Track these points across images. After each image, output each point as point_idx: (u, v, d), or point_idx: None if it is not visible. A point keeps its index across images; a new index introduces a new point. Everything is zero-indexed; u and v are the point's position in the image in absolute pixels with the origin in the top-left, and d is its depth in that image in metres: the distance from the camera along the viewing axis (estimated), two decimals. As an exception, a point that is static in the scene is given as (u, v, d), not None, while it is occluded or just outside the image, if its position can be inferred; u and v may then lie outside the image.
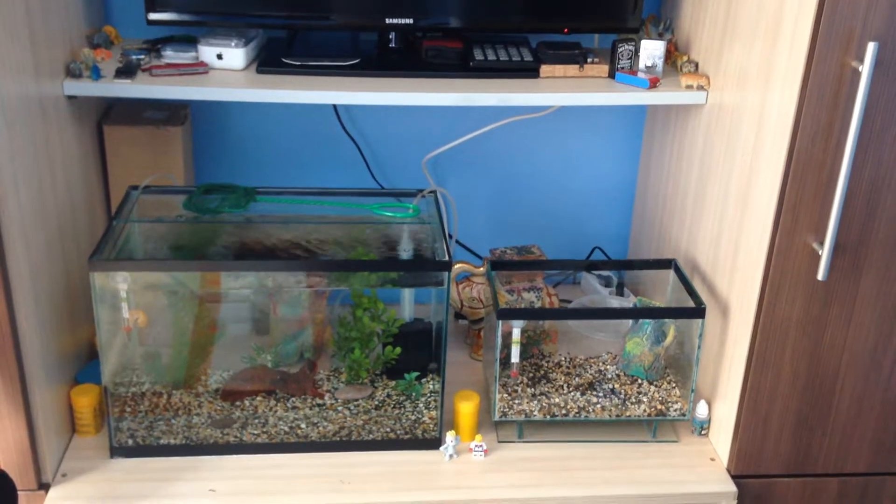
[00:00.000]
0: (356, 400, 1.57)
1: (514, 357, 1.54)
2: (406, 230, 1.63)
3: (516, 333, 1.51)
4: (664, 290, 1.69)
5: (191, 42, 1.63)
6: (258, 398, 1.56)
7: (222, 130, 1.87)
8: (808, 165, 1.30)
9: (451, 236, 1.84)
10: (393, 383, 1.59)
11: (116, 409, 1.50)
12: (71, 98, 1.53)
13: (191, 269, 1.49)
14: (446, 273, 1.47)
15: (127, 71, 1.55)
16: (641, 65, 1.63)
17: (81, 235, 1.59)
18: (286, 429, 1.54)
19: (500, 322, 1.50)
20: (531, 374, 1.64)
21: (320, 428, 1.54)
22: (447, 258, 1.47)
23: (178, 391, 1.54)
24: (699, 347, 1.52)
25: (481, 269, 1.76)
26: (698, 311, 1.51)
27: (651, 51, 1.63)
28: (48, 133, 1.44)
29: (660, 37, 1.72)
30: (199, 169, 1.88)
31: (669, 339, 1.59)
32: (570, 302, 1.90)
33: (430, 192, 1.68)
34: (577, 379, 1.63)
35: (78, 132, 1.59)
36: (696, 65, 1.64)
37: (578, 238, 2.03)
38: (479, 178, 1.97)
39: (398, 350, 1.56)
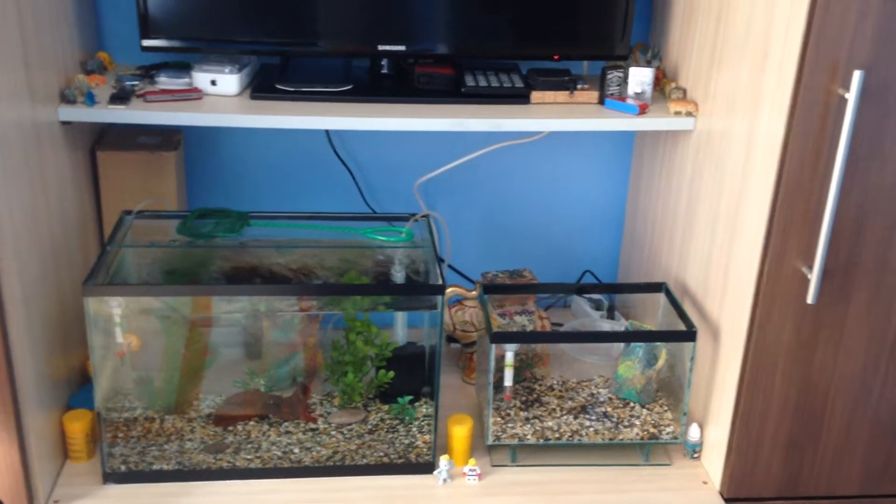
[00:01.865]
0: (349, 424, 1.57)
1: (508, 381, 1.54)
2: (399, 254, 1.64)
3: (509, 357, 1.52)
4: (655, 313, 1.70)
5: (184, 68, 1.64)
6: (251, 423, 1.56)
7: (215, 156, 1.88)
8: (797, 190, 1.32)
9: (442, 260, 1.85)
10: (386, 407, 1.59)
11: (109, 435, 1.49)
12: (65, 123, 1.54)
13: (184, 293, 1.50)
14: (440, 297, 1.47)
15: (121, 97, 1.56)
16: (630, 91, 1.65)
17: (74, 260, 1.59)
18: (279, 454, 1.53)
19: (494, 346, 1.50)
20: (524, 398, 1.64)
21: (314, 453, 1.54)
22: (440, 282, 1.48)
23: (171, 416, 1.54)
24: (691, 371, 1.53)
25: (473, 292, 1.76)
26: (689, 335, 1.53)
27: (640, 77, 1.65)
28: (42, 158, 1.44)
29: (648, 64, 1.74)
30: (192, 194, 1.88)
31: (661, 362, 1.60)
32: (561, 325, 1.90)
33: (423, 216, 1.69)
34: (569, 402, 1.64)
35: (72, 157, 1.59)
36: (685, 91, 1.67)
37: (569, 262, 2.04)
38: (470, 203, 1.98)
39: (391, 374, 1.57)
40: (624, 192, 2.01)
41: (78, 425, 1.51)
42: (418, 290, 1.55)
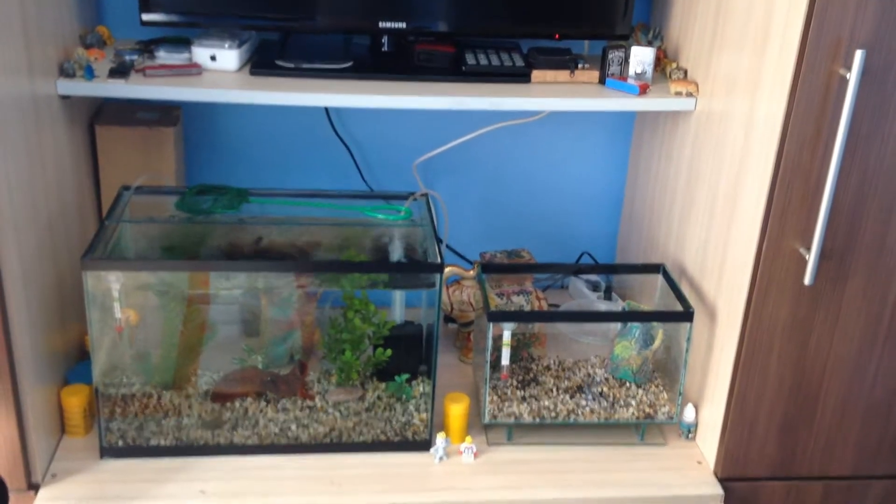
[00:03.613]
0: (346, 402, 1.58)
1: (505, 360, 1.55)
2: (397, 232, 1.64)
3: (507, 336, 1.52)
4: (652, 294, 1.71)
5: (184, 43, 1.63)
6: (248, 400, 1.56)
7: (214, 132, 1.87)
8: (796, 172, 1.32)
9: (441, 239, 1.85)
10: (383, 385, 1.60)
11: (106, 410, 1.50)
12: (64, 98, 1.53)
13: (182, 268, 1.50)
14: (438, 275, 1.47)
15: (120, 71, 1.55)
16: (631, 71, 1.64)
17: (72, 235, 1.59)
18: (276, 430, 1.54)
19: (491, 324, 1.51)
20: (521, 378, 1.65)
21: (311, 430, 1.55)
22: (439, 260, 1.48)
23: (169, 392, 1.54)
24: (687, 351, 1.54)
25: (471, 272, 1.76)
26: (686, 316, 1.53)
27: (641, 57, 1.64)
28: (40, 132, 1.44)
29: (649, 44, 1.73)
30: (191, 170, 1.88)
31: (657, 342, 1.61)
32: (558, 306, 1.91)
33: (422, 194, 1.69)
34: (566, 382, 1.64)
35: (70, 132, 1.59)
36: (685, 72, 1.66)
37: (567, 242, 2.04)
38: (468, 182, 1.98)
39: (389, 352, 1.57)
40: (623, 174, 2.01)
41: (75, 400, 1.51)
42: (417, 269, 1.55)
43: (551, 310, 1.82)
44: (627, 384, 1.64)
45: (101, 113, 1.74)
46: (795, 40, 1.26)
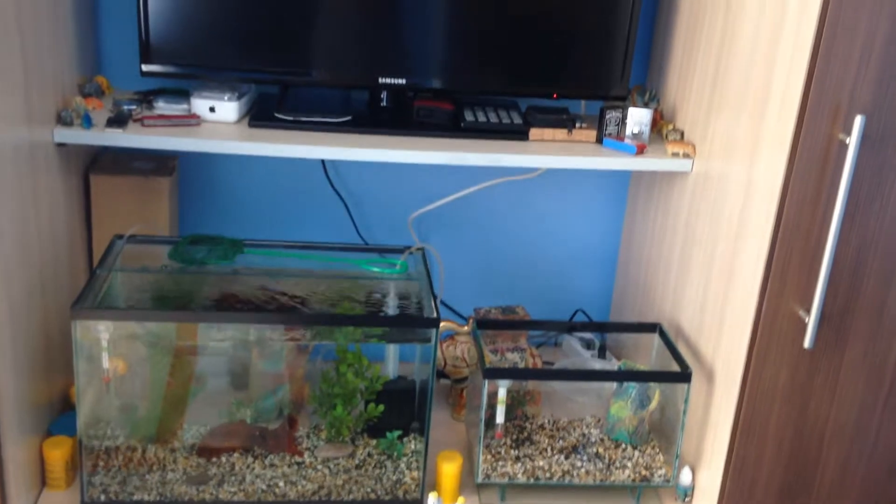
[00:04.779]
0: (336, 458, 1.55)
1: (500, 418, 1.53)
2: (393, 286, 1.63)
3: (502, 393, 1.50)
4: (647, 353, 1.69)
5: (183, 95, 1.63)
6: (235, 455, 1.53)
7: (210, 183, 1.87)
8: (795, 234, 1.32)
9: (435, 295, 1.84)
10: (374, 442, 1.57)
11: (90, 463, 1.46)
12: (60, 146, 1.52)
13: (173, 319, 1.48)
14: (434, 330, 1.46)
15: (118, 120, 1.55)
16: (628, 131, 1.66)
17: (62, 283, 1.57)
18: (264, 487, 1.50)
19: (487, 381, 1.49)
20: (515, 436, 1.62)
21: (299, 487, 1.51)
22: (435, 315, 1.47)
23: (154, 446, 1.51)
24: (685, 413, 1.52)
25: (466, 327, 1.75)
26: (684, 376, 1.52)
27: (638, 118, 1.65)
28: (35, 179, 1.43)
29: (645, 105, 1.75)
30: (185, 220, 1.87)
31: (654, 403, 1.59)
32: (552, 364, 1.89)
33: (418, 248, 1.68)
34: (560, 442, 1.62)
35: (65, 180, 1.58)
36: (682, 133, 1.68)
37: (561, 299, 2.03)
38: (463, 238, 1.98)
39: (381, 408, 1.54)
40: (618, 232, 2.01)
41: (58, 452, 1.48)
42: (412, 323, 1.53)
43: (548, 367, 1.80)
44: (623, 445, 1.61)
45: (97, 162, 1.74)
46: (795, 104, 1.27)
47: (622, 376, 1.61)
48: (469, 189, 1.84)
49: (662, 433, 1.62)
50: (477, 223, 1.97)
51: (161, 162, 1.76)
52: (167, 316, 1.48)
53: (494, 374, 1.50)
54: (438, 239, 1.95)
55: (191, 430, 1.54)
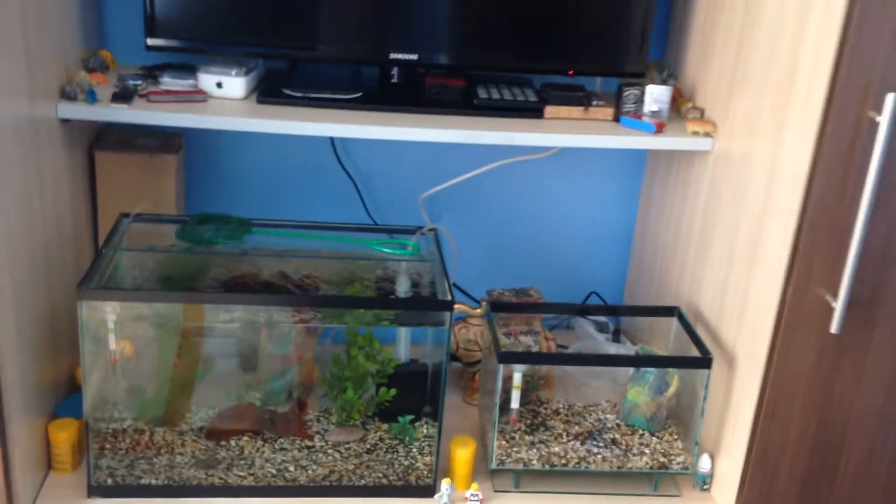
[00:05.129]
0: (347, 443, 1.52)
1: (514, 403, 1.49)
2: (404, 268, 1.59)
3: (517, 378, 1.47)
4: (662, 337, 1.66)
5: (189, 70, 1.59)
6: (244, 438, 1.50)
7: (217, 160, 1.84)
8: (823, 216, 1.28)
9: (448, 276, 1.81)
10: (386, 426, 1.54)
11: (96, 446, 1.43)
12: (64, 122, 1.49)
13: (180, 300, 1.44)
14: (448, 313, 1.42)
15: (124, 96, 1.51)
16: (646, 109, 1.62)
17: (67, 262, 1.54)
18: (273, 471, 1.48)
19: (501, 366, 1.45)
20: (529, 421, 1.59)
21: (309, 471, 1.48)
22: (449, 297, 1.43)
23: (162, 428, 1.48)
24: (705, 399, 1.49)
25: (479, 310, 1.72)
26: (705, 362, 1.48)
27: (657, 96, 1.61)
28: (39, 156, 1.39)
29: (663, 83, 1.70)
30: (192, 199, 1.84)
31: (672, 388, 1.56)
32: (566, 347, 1.85)
33: (430, 229, 1.64)
34: (576, 427, 1.58)
35: (69, 157, 1.54)
36: (702, 111, 1.63)
37: (574, 281, 2.00)
38: (475, 218, 1.95)
39: (393, 392, 1.51)
40: (633, 213, 1.97)
41: (64, 435, 1.45)
42: (426, 306, 1.50)
43: (564, 351, 1.77)
44: (640, 431, 1.58)
45: (102, 138, 1.70)
46: (824, 81, 1.23)
47: (643, 361, 1.58)
48: (481, 168, 1.80)
49: (680, 419, 1.58)
50: (489, 203, 1.94)
51: (167, 139, 1.73)
52: (174, 297, 1.45)
53: (509, 358, 1.46)
54: (449, 219, 1.92)
55: (199, 413, 1.51)
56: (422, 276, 1.59)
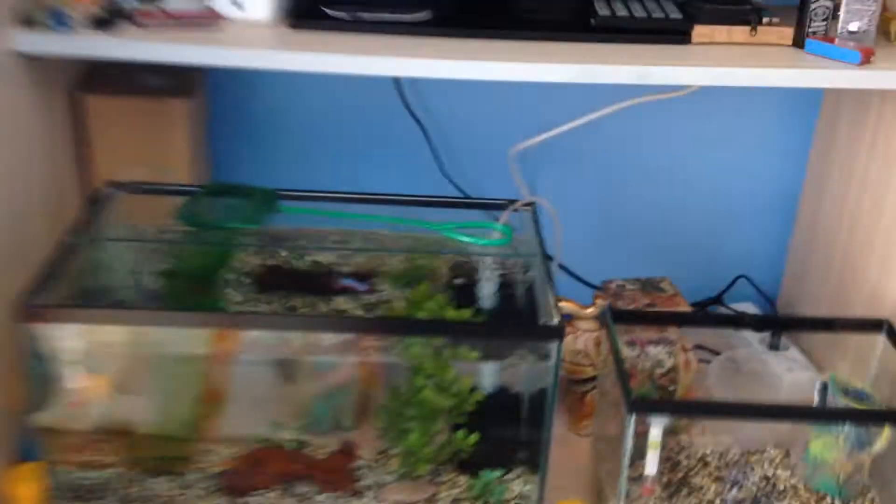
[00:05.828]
0: (410, 503, 1.19)
1: (650, 467, 1.11)
2: (491, 265, 1.26)
3: (655, 434, 1.07)
4: (853, 352, 1.30)
5: (199, -15, 1.28)
6: (271, 494, 1.20)
7: (241, 107, 1.58)
8: None
9: (550, 258, 1.48)
10: (464, 481, 1.21)
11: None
12: (34, 59, 1.20)
13: (175, 323, 1.10)
14: (556, 343, 1.05)
15: (106, 20, 1.20)
16: (841, 29, 1.28)
17: (44, 247, 1.21)
18: (309, 541, 1.17)
19: (633, 416, 1.04)
20: (665, 479, 1.20)
21: (358, 542, 1.17)
22: (556, 320, 1.06)
23: (161, 477, 1.18)
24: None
25: (590, 309, 1.37)
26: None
27: (858, 9, 1.27)
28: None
29: (865, -8, 1.35)
30: (214, 160, 1.57)
31: (881, 443, 1.16)
32: (708, 351, 1.47)
33: (527, 204, 1.29)
34: (733, 490, 1.18)
35: (42, 104, 1.27)
36: (925, 32, 1.24)
37: (716, 262, 1.72)
38: (582, 181, 1.66)
39: (475, 436, 1.18)
40: (800, 174, 1.66)
41: (25, 489, 1.13)
42: (523, 335, 1.13)
43: (701, 368, 1.37)
44: (829, 499, 1.18)
45: (91, 78, 1.40)
46: None
47: (839, 415, 1.15)
48: (592, 115, 1.43)
49: (885, 484, 1.19)
50: (603, 160, 1.65)
51: (181, 78, 1.43)
52: (167, 318, 1.10)
53: (645, 407, 1.06)
54: (549, 182, 1.58)
55: (210, 457, 1.21)
56: (514, 275, 1.25)
